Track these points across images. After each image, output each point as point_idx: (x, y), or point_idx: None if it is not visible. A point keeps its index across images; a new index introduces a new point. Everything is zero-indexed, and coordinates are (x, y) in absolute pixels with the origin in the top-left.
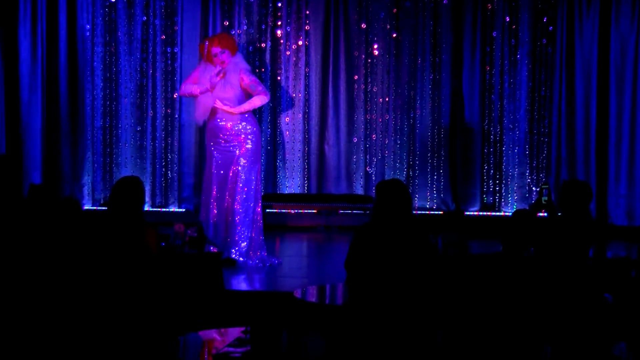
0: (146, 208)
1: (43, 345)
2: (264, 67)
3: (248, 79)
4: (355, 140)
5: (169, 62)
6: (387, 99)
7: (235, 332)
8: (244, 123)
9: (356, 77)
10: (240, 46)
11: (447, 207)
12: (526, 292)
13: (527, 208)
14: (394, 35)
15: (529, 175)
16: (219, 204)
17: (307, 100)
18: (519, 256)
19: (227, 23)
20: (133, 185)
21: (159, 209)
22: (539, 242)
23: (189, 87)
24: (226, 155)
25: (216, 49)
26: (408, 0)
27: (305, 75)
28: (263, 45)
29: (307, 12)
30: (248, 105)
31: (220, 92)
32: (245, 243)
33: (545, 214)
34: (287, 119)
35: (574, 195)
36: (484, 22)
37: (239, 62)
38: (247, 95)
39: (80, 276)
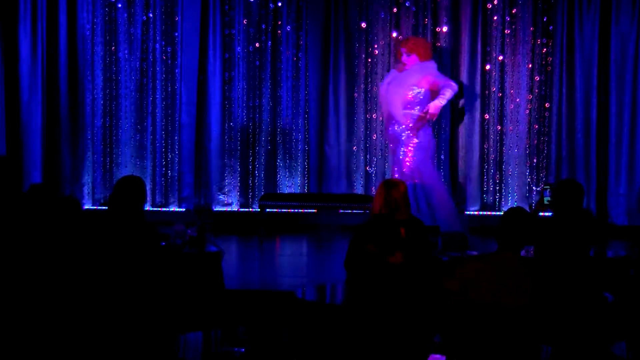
0: (146, 208)
1: (43, 344)
2: (264, 67)
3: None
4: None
5: (169, 62)
6: None
7: (235, 331)
8: None
9: (356, 76)
10: (241, 46)
11: None
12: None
13: (528, 208)
14: (394, 35)
15: (529, 175)
16: None
17: (307, 100)
18: (516, 255)
19: (227, 23)
20: (135, 185)
21: (159, 209)
22: (540, 241)
23: None
24: None
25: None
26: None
27: (305, 75)
28: (263, 45)
29: (307, 12)
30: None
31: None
32: None
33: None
34: (287, 119)
35: (565, 194)
36: (484, 22)
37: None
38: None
39: (81, 275)
